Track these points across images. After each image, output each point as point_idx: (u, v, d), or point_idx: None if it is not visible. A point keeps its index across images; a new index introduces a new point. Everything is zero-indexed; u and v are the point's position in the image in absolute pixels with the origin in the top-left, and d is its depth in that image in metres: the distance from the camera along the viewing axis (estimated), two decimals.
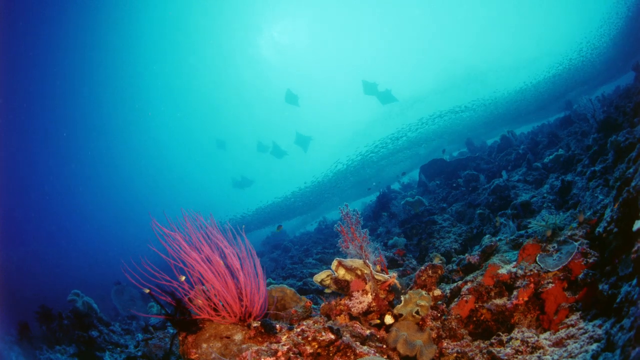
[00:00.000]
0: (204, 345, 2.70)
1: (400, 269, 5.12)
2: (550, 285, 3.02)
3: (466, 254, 4.31)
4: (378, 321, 3.14)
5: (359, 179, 21.99)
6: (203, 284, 2.85)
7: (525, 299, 3.08)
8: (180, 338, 2.77)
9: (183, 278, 2.79)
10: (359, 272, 3.23)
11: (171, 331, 5.48)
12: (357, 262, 3.23)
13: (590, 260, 3.00)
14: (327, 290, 3.52)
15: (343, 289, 3.37)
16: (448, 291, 3.59)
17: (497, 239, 4.33)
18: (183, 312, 2.77)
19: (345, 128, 38.06)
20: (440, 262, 4.65)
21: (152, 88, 31.85)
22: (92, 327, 5.96)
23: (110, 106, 28.69)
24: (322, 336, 2.69)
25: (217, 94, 37.63)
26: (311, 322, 2.95)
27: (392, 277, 3.18)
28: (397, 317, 3.10)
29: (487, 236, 4.39)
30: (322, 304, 3.34)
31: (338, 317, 3.19)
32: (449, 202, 7.92)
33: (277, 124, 39.44)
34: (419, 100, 30.61)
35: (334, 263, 3.28)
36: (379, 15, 33.14)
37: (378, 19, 33.45)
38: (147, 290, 2.66)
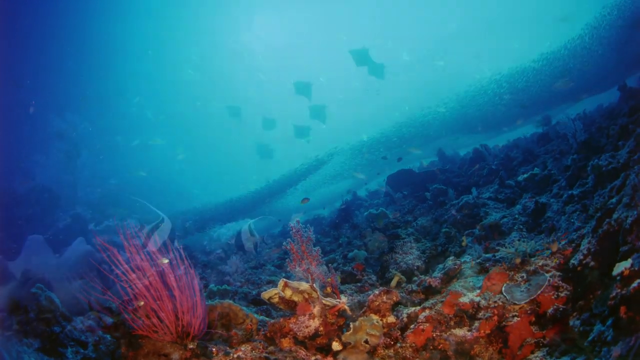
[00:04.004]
0: None
1: (359, 284, 4.82)
2: (516, 319, 2.75)
3: (427, 276, 4.03)
4: (326, 346, 2.86)
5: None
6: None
7: (488, 331, 2.80)
8: (122, 350, 2.80)
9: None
10: (306, 295, 2.91)
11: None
12: (304, 285, 2.92)
13: (562, 294, 2.73)
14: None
15: (292, 308, 3.08)
16: (405, 315, 3.28)
17: (462, 260, 4.07)
18: (121, 326, 2.79)
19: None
20: (400, 280, 4.36)
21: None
22: (54, 323, 5.71)
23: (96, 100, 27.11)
24: None
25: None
26: (249, 347, 2.72)
27: (341, 302, 2.87)
28: (345, 345, 2.81)
29: (451, 258, 4.13)
30: (270, 323, 3.06)
31: (283, 339, 2.92)
32: (414, 216, 7.62)
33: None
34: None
35: (280, 283, 2.97)
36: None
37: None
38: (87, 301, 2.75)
